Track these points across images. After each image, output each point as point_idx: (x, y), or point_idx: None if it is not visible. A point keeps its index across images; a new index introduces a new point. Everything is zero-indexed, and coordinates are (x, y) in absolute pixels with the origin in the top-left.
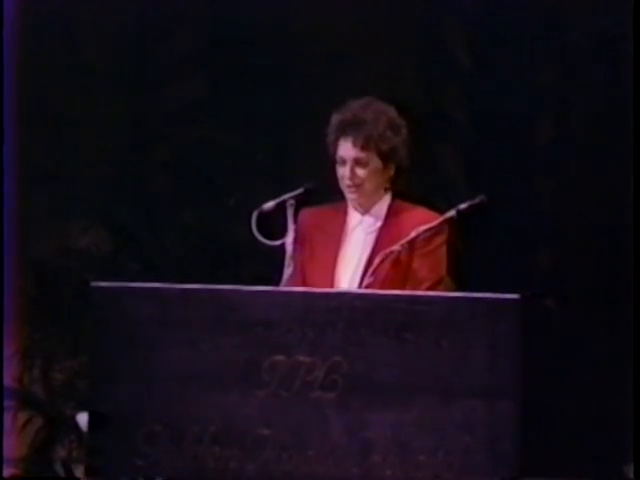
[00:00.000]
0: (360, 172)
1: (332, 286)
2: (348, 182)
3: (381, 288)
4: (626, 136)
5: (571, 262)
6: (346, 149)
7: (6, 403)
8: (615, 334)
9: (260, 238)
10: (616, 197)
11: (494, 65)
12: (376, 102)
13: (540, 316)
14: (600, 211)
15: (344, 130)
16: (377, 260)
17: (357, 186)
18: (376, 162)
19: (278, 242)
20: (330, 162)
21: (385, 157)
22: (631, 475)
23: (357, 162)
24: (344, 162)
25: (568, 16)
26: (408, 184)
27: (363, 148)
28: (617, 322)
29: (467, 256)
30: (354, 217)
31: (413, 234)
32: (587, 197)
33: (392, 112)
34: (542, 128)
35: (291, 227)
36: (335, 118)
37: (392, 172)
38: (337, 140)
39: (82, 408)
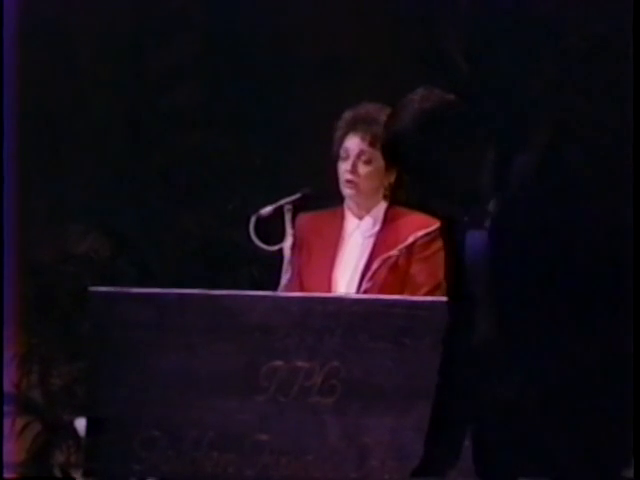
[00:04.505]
0: (362, 169)
1: (329, 291)
2: (348, 176)
3: (379, 293)
4: (626, 136)
5: (571, 262)
6: (353, 142)
7: (4, 408)
8: (615, 334)
9: (258, 243)
10: (616, 197)
11: (493, 67)
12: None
13: (539, 317)
14: (600, 211)
15: (354, 125)
16: (375, 265)
17: (356, 182)
18: (379, 161)
19: (276, 247)
20: (329, 165)
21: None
22: (631, 475)
23: (361, 157)
24: (347, 156)
25: (567, 17)
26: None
27: (370, 144)
28: (617, 322)
29: None
30: (351, 222)
31: (411, 239)
32: (587, 197)
33: None
34: (541, 130)
35: (289, 232)
36: (347, 114)
37: (392, 178)
38: (345, 135)
39: (80, 413)
